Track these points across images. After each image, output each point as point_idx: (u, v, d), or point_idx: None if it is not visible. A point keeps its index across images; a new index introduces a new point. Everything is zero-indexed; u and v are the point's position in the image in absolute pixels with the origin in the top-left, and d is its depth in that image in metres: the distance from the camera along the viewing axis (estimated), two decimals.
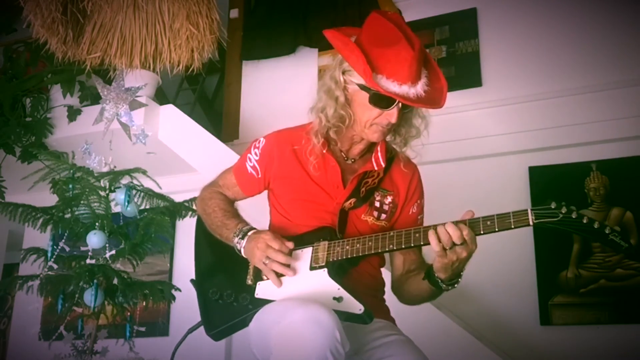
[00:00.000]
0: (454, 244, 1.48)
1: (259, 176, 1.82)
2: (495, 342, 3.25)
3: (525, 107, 3.66)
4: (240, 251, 1.70)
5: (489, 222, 1.50)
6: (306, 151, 1.75)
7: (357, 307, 1.57)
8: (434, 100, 1.65)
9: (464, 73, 3.90)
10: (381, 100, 1.63)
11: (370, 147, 1.78)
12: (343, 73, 1.70)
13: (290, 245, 1.65)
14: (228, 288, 1.75)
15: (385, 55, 1.61)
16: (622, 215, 3.32)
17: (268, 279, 1.67)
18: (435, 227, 1.52)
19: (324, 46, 4.34)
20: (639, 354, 3.11)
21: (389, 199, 1.78)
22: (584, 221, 1.44)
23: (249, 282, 1.72)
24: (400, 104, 1.63)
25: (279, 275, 1.65)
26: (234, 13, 4.78)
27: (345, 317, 1.56)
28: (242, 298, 1.70)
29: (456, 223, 1.50)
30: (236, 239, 1.70)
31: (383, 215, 1.76)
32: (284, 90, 4.28)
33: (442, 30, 4.05)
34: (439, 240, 1.50)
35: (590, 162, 3.45)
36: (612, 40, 3.62)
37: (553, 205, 1.46)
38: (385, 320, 1.77)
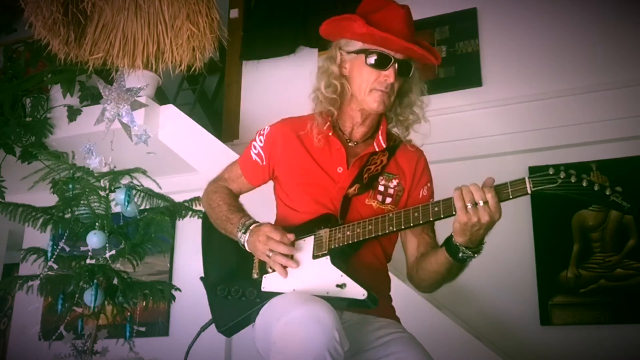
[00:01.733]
0: (476, 204, 1.47)
1: (264, 163, 1.83)
2: (495, 342, 3.25)
3: (525, 107, 3.66)
4: (244, 245, 1.71)
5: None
6: (311, 134, 1.77)
7: (360, 293, 1.57)
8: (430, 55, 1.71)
9: (464, 73, 3.90)
10: (377, 59, 1.67)
11: (373, 132, 1.80)
12: (339, 49, 1.75)
13: (292, 237, 1.66)
14: (235, 284, 1.75)
15: (379, 15, 1.69)
16: (622, 215, 3.32)
17: (273, 271, 1.68)
18: (459, 187, 1.51)
19: (324, 46, 4.32)
20: (639, 354, 3.11)
21: (394, 182, 1.78)
22: (584, 184, 1.41)
23: (255, 276, 1.73)
24: (396, 65, 1.67)
25: (284, 266, 1.66)
26: (234, 13, 4.78)
27: (349, 303, 1.58)
28: (249, 293, 1.71)
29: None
30: (239, 234, 1.71)
31: (388, 199, 1.76)
32: (284, 90, 4.27)
33: (442, 30, 4.05)
34: (462, 198, 1.48)
35: (590, 162, 3.45)
36: (612, 40, 3.62)
37: (551, 171, 1.44)
38: (389, 319, 1.77)
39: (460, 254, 1.54)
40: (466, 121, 3.73)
